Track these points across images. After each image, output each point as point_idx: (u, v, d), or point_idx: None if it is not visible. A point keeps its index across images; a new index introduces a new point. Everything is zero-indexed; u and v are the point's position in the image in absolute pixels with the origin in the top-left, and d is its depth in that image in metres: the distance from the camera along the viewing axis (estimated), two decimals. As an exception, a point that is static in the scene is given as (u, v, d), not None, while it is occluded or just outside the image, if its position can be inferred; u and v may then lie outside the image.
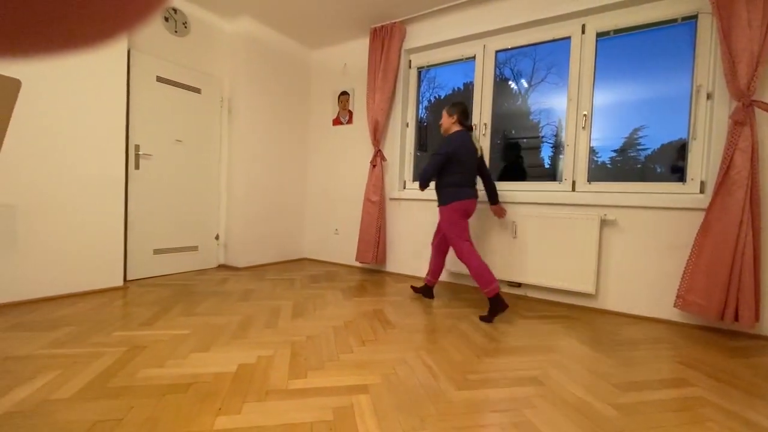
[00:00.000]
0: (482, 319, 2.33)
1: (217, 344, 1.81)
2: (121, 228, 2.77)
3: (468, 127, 2.56)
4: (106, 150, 2.65)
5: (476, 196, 2.49)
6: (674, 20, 2.50)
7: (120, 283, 2.77)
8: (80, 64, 2.49)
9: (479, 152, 2.55)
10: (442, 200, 2.49)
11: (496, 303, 2.31)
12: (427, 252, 3.51)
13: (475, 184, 2.53)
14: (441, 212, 2.51)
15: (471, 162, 2.47)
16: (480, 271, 2.33)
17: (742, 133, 2.13)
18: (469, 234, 2.50)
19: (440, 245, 2.70)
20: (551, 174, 3.01)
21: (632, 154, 2.71)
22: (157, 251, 3.17)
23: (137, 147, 2.98)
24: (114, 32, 0.20)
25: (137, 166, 2.99)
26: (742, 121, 2.12)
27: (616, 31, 2.70)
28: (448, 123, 2.56)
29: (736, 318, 2.12)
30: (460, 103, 2.56)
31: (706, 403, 1.43)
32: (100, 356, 1.63)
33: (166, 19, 3.18)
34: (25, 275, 2.31)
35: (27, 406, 1.23)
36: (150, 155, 3.07)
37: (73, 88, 2.47)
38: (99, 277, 2.65)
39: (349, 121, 4.08)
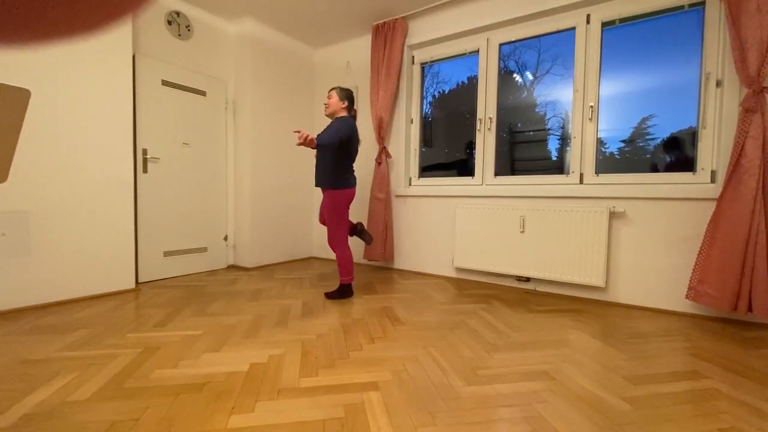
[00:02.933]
0: (327, 295, 2.66)
1: (229, 344, 1.84)
2: (132, 231, 2.81)
3: (353, 116, 2.67)
4: (114, 154, 2.68)
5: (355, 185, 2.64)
6: (681, 7, 2.45)
7: (132, 285, 2.81)
8: (86, 70, 2.52)
9: (360, 143, 2.70)
10: (333, 183, 2.49)
11: (345, 290, 2.66)
12: (431, 246, 3.51)
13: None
14: (329, 196, 2.51)
15: (356, 150, 2.63)
16: (346, 262, 2.59)
17: (753, 120, 2.09)
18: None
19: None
20: (558, 167, 2.98)
21: (641, 144, 2.67)
22: (167, 253, 3.21)
23: (145, 151, 3.01)
24: (118, 14, 0.20)
25: (145, 170, 3.03)
26: (752, 108, 2.08)
27: (622, 20, 2.66)
28: (338, 106, 2.59)
29: (750, 308, 2.09)
30: (350, 90, 2.66)
31: (720, 396, 1.41)
32: (115, 358, 1.66)
33: (170, 23, 3.20)
34: (39, 280, 2.35)
35: (46, 408, 1.26)
36: (158, 158, 3.10)
37: (80, 95, 2.50)
38: (111, 280, 2.69)
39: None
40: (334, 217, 2.52)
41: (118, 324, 2.09)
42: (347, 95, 2.63)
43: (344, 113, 2.60)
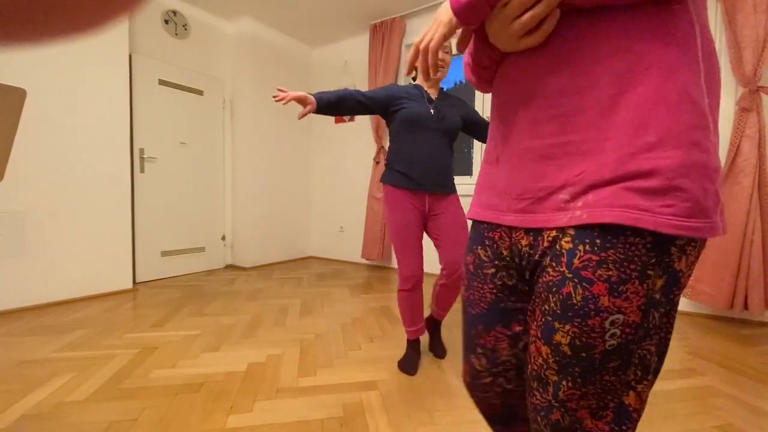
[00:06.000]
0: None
1: (227, 344, 1.83)
2: (129, 231, 2.80)
3: None
4: (111, 154, 2.67)
5: None
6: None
7: (129, 285, 2.81)
8: (82, 70, 2.51)
9: None
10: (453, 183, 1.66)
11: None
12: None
13: None
14: (458, 203, 1.66)
15: None
16: None
17: (749, 119, 2.10)
18: None
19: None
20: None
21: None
22: (164, 253, 3.20)
23: (142, 150, 3.00)
24: (114, 14, 0.20)
25: (142, 170, 3.02)
26: (748, 107, 2.10)
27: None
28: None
29: (746, 306, 2.11)
30: None
31: (717, 393, 1.42)
32: (113, 358, 1.65)
33: (166, 22, 3.19)
34: (36, 280, 2.34)
35: (43, 409, 1.26)
36: (155, 158, 3.09)
37: (77, 94, 2.49)
38: (109, 280, 2.68)
39: (351, 119, 4.08)
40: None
41: (116, 324, 2.08)
42: None
43: None
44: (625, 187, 0.43)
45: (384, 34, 3.57)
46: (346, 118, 4.12)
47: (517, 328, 0.60)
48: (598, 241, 0.45)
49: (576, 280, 0.46)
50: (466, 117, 1.68)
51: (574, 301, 0.46)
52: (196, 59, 3.44)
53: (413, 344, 1.67)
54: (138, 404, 1.30)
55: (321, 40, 4.14)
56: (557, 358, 0.49)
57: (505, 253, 0.59)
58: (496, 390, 0.64)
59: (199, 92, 3.43)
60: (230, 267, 3.77)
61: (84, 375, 1.50)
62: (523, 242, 0.55)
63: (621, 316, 0.44)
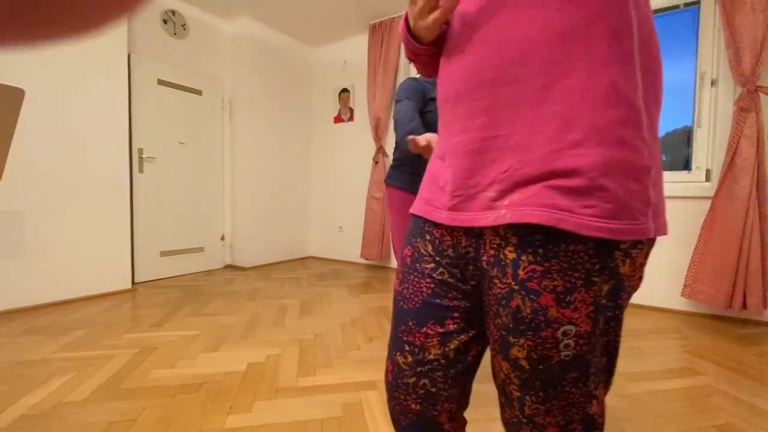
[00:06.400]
0: None
1: (226, 344, 1.83)
2: (128, 231, 2.79)
3: None
4: (110, 154, 2.67)
5: None
6: (676, 6, 2.47)
7: (128, 285, 2.80)
8: (81, 70, 2.50)
9: None
10: None
11: None
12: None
13: None
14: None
15: None
16: None
17: (748, 119, 2.10)
18: None
19: None
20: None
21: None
22: (163, 253, 3.20)
23: (140, 150, 3.00)
24: (112, 16, 0.20)
25: (141, 170, 3.01)
26: (747, 107, 2.10)
27: (618, 20, 2.67)
28: None
29: (744, 305, 2.11)
30: None
31: (715, 392, 1.43)
32: (112, 358, 1.65)
33: (165, 22, 3.18)
34: (35, 280, 2.34)
35: (42, 409, 1.26)
36: (153, 158, 3.09)
37: (75, 94, 2.48)
38: (108, 280, 2.68)
39: (351, 119, 4.08)
40: None
41: (115, 324, 2.08)
42: None
43: None
44: (550, 185, 0.42)
45: (383, 34, 3.57)
46: (344, 117, 4.12)
47: (451, 326, 0.56)
48: (540, 250, 0.43)
49: (523, 293, 0.44)
50: None
51: (524, 314, 0.45)
52: (195, 59, 3.44)
53: None
54: (137, 404, 1.30)
55: (320, 40, 4.14)
56: (517, 373, 0.48)
57: (449, 252, 0.55)
58: (419, 392, 0.58)
59: (198, 92, 3.43)
60: (229, 267, 3.76)
61: (83, 375, 1.49)
62: (463, 243, 0.52)
63: (572, 327, 0.44)
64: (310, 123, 4.44)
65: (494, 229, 0.47)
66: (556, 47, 0.42)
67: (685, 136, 2.50)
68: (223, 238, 3.74)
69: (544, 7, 0.43)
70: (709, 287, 2.19)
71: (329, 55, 4.26)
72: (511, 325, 0.47)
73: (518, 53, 0.44)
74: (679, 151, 2.52)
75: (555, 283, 0.43)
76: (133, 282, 2.97)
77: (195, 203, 3.45)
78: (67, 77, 2.44)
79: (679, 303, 2.42)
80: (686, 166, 2.48)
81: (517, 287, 0.45)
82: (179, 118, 3.28)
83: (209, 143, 3.56)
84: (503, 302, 0.47)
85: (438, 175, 0.57)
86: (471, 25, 0.49)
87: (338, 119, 4.18)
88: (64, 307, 2.38)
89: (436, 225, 0.57)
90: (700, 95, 2.41)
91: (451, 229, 0.54)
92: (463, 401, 0.60)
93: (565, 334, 0.44)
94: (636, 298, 2.55)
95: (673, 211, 2.43)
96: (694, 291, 2.25)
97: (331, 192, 4.27)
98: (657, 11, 2.52)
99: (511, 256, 0.46)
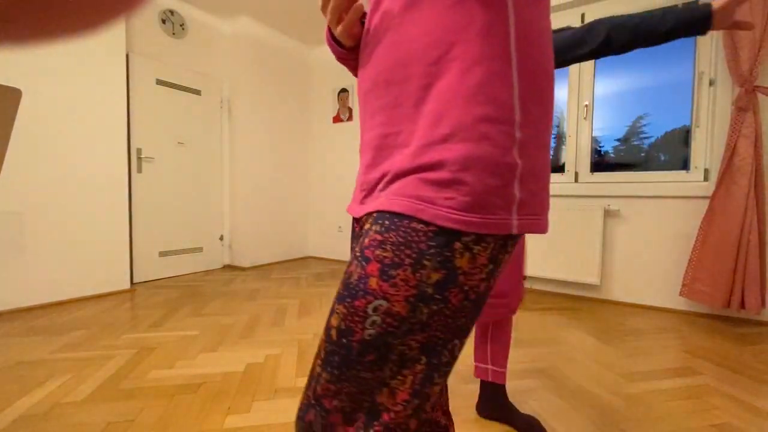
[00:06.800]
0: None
1: (225, 344, 1.83)
2: (127, 231, 2.79)
3: None
4: (108, 154, 2.67)
5: None
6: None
7: (127, 286, 2.80)
8: (79, 69, 2.50)
9: None
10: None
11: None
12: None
13: None
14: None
15: None
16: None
17: (746, 119, 2.11)
18: None
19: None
20: (553, 165, 3.00)
21: (636, 143, 2.69)
22: (162, 253, 3.19)
23: (139, 150, 2.99)
24: (111, 15, 0.20)
25: (140, 170, 3.01)
26: (745, 107, 2.10)
27: (616, 20, 2.67)
28: None
29: (743, 305, 2.12)
30: None
31: (713, 391, 1.43)
32: (111, 358, 1.65)
33: (164, 21, 3.18)
34: (34, 281, 2.33)
35: (41, 410, 1.25)
36: (152, 158, 3.08)
37: (73, 94, 2.48)
38: (106, 280, 2.68)
39: (350, 119, 4.07)
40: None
41: (114, 325, 2.07)
42: None
43: None
44: (419, 177, 0.43)
45: (382, 33, 3.56)
46: (344, 117, 4.12)
47: None
48: (386, 222, 0.44)
49: (360, 259, 0.45)
50: None
51: (352, 280, 0.45)
52: (193, 59, 3.43)
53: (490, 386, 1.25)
54: (136, 405, 1.29)
55: (319, 39, 4.13)
56: (326, 345, 0.47)
57: None
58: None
59: (197, 92, 3.42)
60: (228, 267, 3.76)
61: (81, 375, 1.49)
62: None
63: (385, 303, 0.42)
64: (309, 123, 4.43)
65: (368, 213, 0.49)
66: (436, 48, 0.43)
67: (684, 136, 2.50)
68: (222, 238, 3.74)
69: (431, 9, 0.44)
70: (707, 287, 2.19)
71: (328, 54, 4.25)
72: (342, 291, 0.46)
73: (406, 55, 0.46)
74: (678, 151, 2.53)
75: (386, 254, 0.42)
76: (131, 282, 2.97)
77: (194, 203, 3.45)
78: (64, 77, 2.43)
79: (677, 302, 2.43)
80: (684, 165, 2.49)
81: (358, 254, 0.45)
82: (178, 118, 3.28)
83: (208, 143, 3.56)
84: (345, 269, 0.48)
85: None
86: (377, 29, 0.51)
87: (337, 119, 4.18)
88: (63, 307, 2.37)
89: (355, 218, 0.60)
90: (698, 95, 2.42)
91: (359, 221, 0.57)
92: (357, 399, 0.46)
93: (375, 309, 0.42)
94: (635, 297, 2.55)
95: (671, 211, 2.43)
96: (692, 290, 2.26)
97: (330, 192, 4.27)
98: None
99: (367, 227, 0.47)
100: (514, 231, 0.42)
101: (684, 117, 2.49)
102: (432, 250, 0.41)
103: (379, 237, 0.44)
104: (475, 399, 1.36)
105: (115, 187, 2.71)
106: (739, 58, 2.11)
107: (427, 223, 0.41)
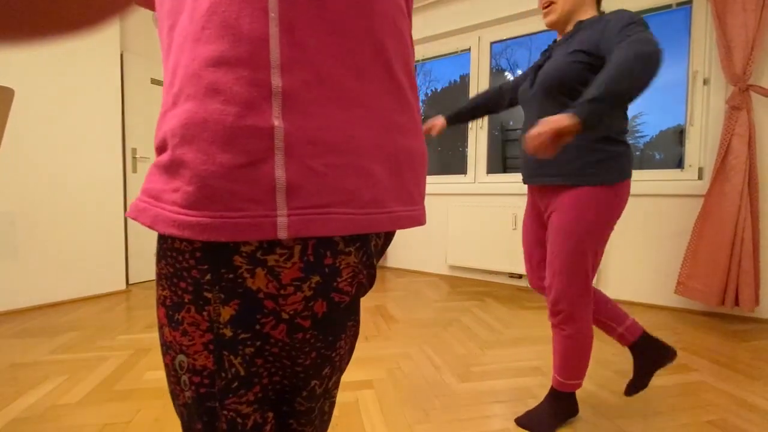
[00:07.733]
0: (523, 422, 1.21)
1: (221, 344, 1.82)
2: (122, 232, 2.77)
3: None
4: (103, 154, 2.65)
5: None
6: (669, 6, 2.48)
7: (123, 286, 2.78)
8: (73, 68, 2.48)
9: None
10: (614, 173, 1.11)
11: (565, 405, 1.21)
12: (424, 244, 3.51)
13: None
14: (592, 198, 1.08)
15: None
16: (587, 346, 1.24)
17: (739, 118, 2.12)
18: None
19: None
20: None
21: (631, 142, 2.70)
22: (158, 254, 3.17)
23: (134, 150, 2.98)
24: (106, 15, 0.20)
25: (135, 170, 2.99)
26: (738, 106, 2.12)
27: (611, 19, 2.68)
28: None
29: (737, 302, 2.13)
30: None
31: (708, 388, 1.44)
32: (106, 360, 1.64)
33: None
34: (28, 282, 2.31)
35: (35, 412, 1.24)
36: (147, 158, 3.06)
37: (67, 93, 2.46)
38: (101, 281, 2.66)
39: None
40: (589, 243, 1.12)
41: (109, 326, 2.06)
42: None
43: (593, 12, 1.16)
44: (155, 163, 0.31)
45: (378, 32, 3.56)
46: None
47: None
48: (158, 245, 0.33)
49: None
50: (591, 49, 1.04)
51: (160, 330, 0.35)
52: (188, 58, 3.41)
53: (563, 396, 1.17)
54: (132, 406, 1.29)
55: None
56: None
57: None
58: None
59: (192, 91, 3.40)
60: (225, 267, 3.74)
61: (77, 377, 1.48)
62: None
63: (185, 358, 0.31)
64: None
65: None
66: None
67: (678, 135, 2.52)
68: (218, 238, 3.72)
69: None
70: (702, 284, 2.21)
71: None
72: None
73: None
74: (672, 150, 2.55)
75: (164, 292, 0.32)
76: (127, 283, 2.95)
77: (189, 203, 3.43)
78: (58, 76, 2.41)
79: (672, 300, 2.44)
80: (679, 164, 2.51)
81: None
82: (173, 118, 3.25)
83: (204, 143, 3.53)
84: None
85: None
86: None
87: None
88: (58, 308, 2.35)
89: None
90: (692, 94, 2.43)
91: None
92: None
93: (180, 366, 0.32)
94: (630, 295, 2.57)
95: (665, 209, 2.45)
96: (687, 288, 2.28)
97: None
98: (650, 10, 2.54)
99: None
100: (283, 234, 0.27)
101: (678, 116, 2.51)
102: (208, 276, 0.29)
103: (156, 269, 0.33)
104: (474, 399, 1.36)
105: (110, 187, 2.69)
106: (733, 57, 2.12)
107: (190, 241, 0.29)
